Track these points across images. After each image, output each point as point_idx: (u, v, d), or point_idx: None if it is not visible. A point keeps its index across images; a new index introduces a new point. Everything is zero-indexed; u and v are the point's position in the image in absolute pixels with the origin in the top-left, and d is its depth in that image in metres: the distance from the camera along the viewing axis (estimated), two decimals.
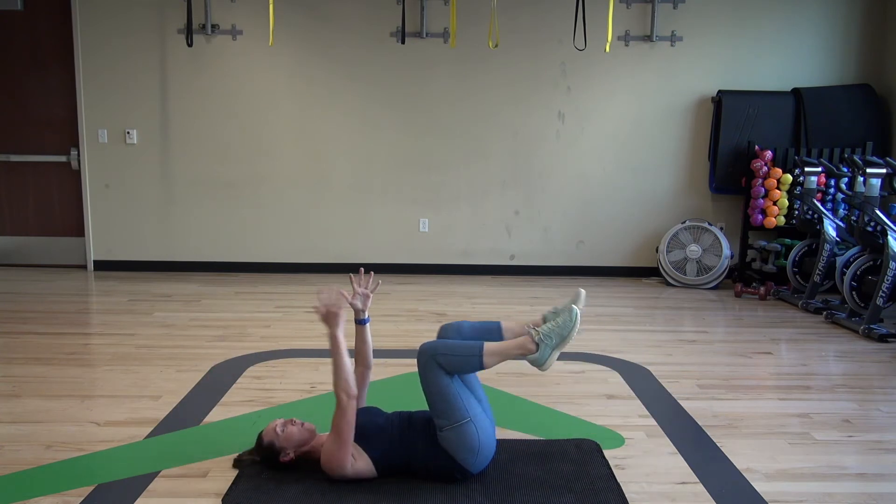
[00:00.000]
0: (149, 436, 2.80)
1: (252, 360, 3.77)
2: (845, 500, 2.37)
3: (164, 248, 6.21)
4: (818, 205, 5.32)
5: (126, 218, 6.16)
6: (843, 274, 4.82)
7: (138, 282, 5.77)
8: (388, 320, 4.63)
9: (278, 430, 2.42)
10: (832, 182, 5.63)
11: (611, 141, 6.18)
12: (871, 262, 4.68)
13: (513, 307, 5.15)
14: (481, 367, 2.37)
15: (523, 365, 3.68)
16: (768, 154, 5.80)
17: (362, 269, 2.56)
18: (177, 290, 5.48)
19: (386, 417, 2.50)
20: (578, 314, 2.42)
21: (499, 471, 2.48)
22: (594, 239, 6.31)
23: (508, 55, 5.98)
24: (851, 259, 4.84)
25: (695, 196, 6.25)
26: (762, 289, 5.53)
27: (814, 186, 5.42)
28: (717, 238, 5.94)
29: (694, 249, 5.96)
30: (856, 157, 4.83)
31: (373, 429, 2.41)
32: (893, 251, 4.36)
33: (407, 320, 4.69)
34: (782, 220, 5.83)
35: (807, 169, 5.43)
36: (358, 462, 2.35)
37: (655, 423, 3.01)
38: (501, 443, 2.58)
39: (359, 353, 2.65)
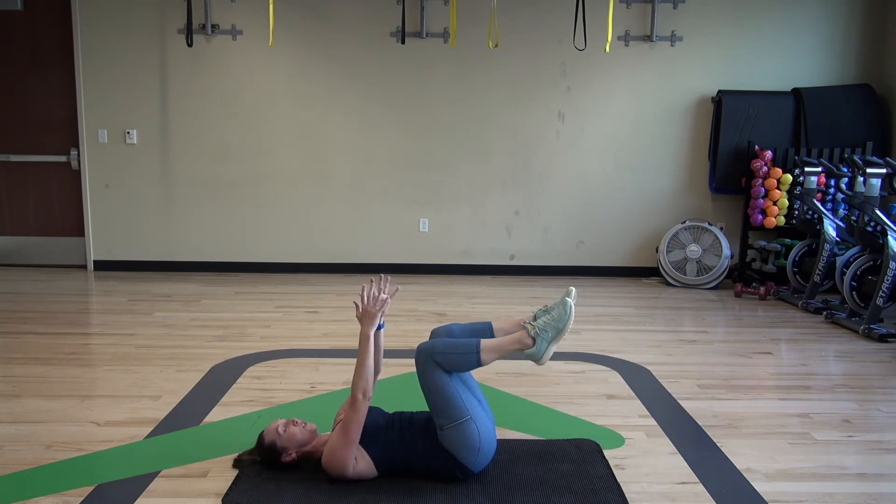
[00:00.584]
0: (149, 436, 2.80)
1: (252, 360, 3.77)
2: (845, 500, 2.37)
3: (164, 248, 6.21)
4: (818, 205, 5.32)
5: (126, 218, 6.16)
6: (843, 274, 4.82)
7: (138, 282, 5.77)
8: (388, 320, 4.56)
9: (280, 430, 2.42)
10: (832, 182, 5.63)
11: (611, 141, 6.18)
12: (871, 262, 4.68)
13: (513, 307, 5.15)
14: (479, 364, 2.38)
15: (523, 365, 3.69)
16: (768, 154, 5.80)
17: (382, 276, 2.52)
18: (177, 290, 5.48)
19: (387, 418, 2.49)
20: (572, 306, 2.42)
21: (499, 471, 2.48)
22: (594, 239, 6.31)
23: (508, 55, 5.98)
24: (851, 259, 4.84)
25: (695, 196, 6.25)
26: (762, 289, 5.53)
27: (814, 186, 5.42)
28: (717, 238, 5.94)
29: (694, 249, 5.96)
30: (856, 157, 4.83)
31: (374, 429, 2.41)
32: (893, 251, 4.36)
33: (407, 320, 4.69)
34: (782, 220, 5.83)
35: (807, 169, 5.43)
36: (359, 462, 2.35)
37: (655, 423, 3.01)
38: (501, 443, 2.58)
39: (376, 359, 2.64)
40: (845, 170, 5.32)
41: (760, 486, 2.45)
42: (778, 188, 5.78)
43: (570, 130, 6.16)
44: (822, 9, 6.01)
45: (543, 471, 2.50)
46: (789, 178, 5.71)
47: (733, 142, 5.99)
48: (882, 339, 4.33)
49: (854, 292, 4.73)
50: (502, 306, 5.21)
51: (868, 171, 4.57)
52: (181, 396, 3.23)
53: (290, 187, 6.17)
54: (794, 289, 5.55)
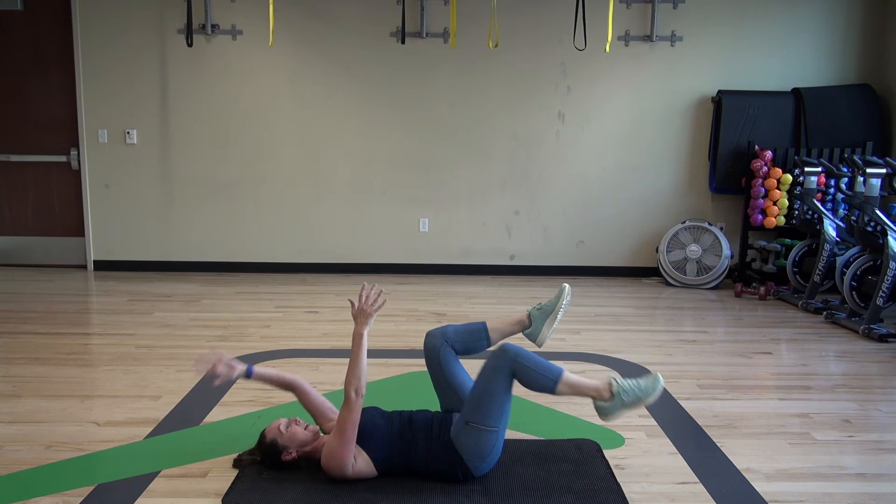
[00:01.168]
0: (149, 436, 2.80)
1: (252, 360, 3.74)
2: (845, 500, 2.37)
3: (164, 248, 6.21)
4: (818, 205, 5.32)
5: (126, 218, 6.16)
6: (843, 274, 4.82)
7: (138, 282, 5.77)
8: (388, 320, 4.63)
9: (282, 428, 2.42)
10: (832, 182, 5.63)
11: (611, 141, 6.18)
12: (871, 262, 4.68)
13: (513, 307, 5.15)
14: (552, 392, 2.39)
15: None
16: (768, 154, 5.80)
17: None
18: (177, 290, 5.48)
19: (386, 417, 2.49)
20: (662, 383, 2.39)
21: (499, 471, 2.48)
22: (594, 239, 6.31)
23: (508, 55, 5.98)
24: (851, 259, 4.84)
25: (695, 196, 6.25)
26: (762, 289, 5.53)
27: (814, 186, 5.42)
28: (717, 238, 5.94)
29: (694, 249, 5.96)
30: (856, 157, 4.83)
31: (373, 428, 2.41)
32: (893, 251, 4.36)
33: (407, 320, 4.69)
34: (782, 220, 5.83)
35: (807, 169, 5.43)
36: (358, 462, 2.35)
37: (655, 423, 3.01)
38: None
39: (280, 385, 2.66)
40: (845, 170, 5.32)
41: (760, 486, 2.45)
42: (778, 188, 5.78)
43: (570, 130, 6.16)
44: (822, 9, 6.02)
45: (543, 471, 2.50)
46: (789, 178, 5.71)
47: (733, 142, 5.99)
48: (882, 339, 4.33)
49: (854, 292, 4.73)
50: (502, 306, 5.21)
51: (868, 171, 4.57)
52: (181, 396, 3.23)
53: (290, 187, 6.17)
54: (794, 289, 5.55)
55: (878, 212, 4.48)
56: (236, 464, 2.51)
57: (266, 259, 6.26)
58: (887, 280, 4.37)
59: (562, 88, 6.11)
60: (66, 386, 3.36)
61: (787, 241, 5.87)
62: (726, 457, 2.69)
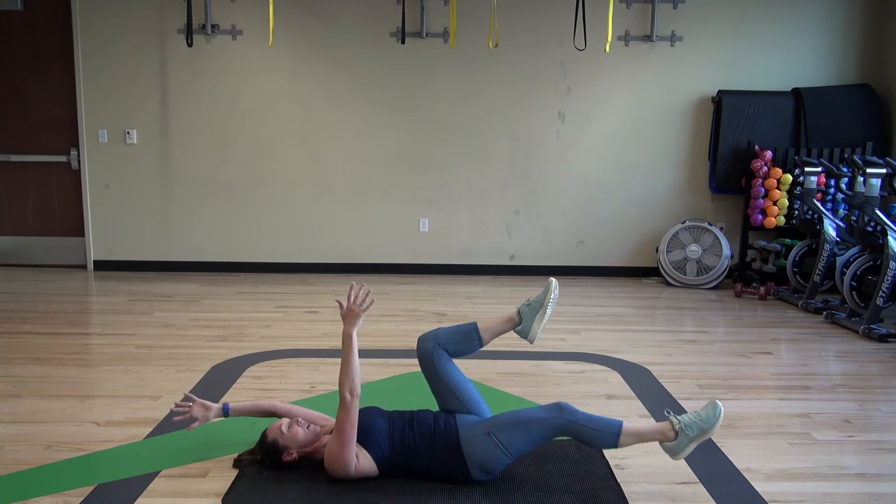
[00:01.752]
0: (149, 436, 2.80)
1: (252, 360, 3.77)
2: (845, 500, 2.37)
3: (164, 248, 6.21)
4: (818, 205, 5.32)
5: (126, 218, 6.16)
6: (843, 274, 4.82)
7: (138, 282, 5.77)
8: (387, 320, 4.63)
9: (283, 428, 2.42)
10: (832, 182, 5.63)
11: (611, 141, 6.18)
12: (871, 262, 4.68)
13: (512, 307, 5.13)
14: (615, 447, 2.35)
15: (523, 365, 3.69)
16: (768, 154, 5.80)
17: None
18: (177, 290, 5.48)
19: (387, 417, 2.49)
20: (722, 410, 2.32)
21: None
22: (594, 239, 6.31)
23: (508, 55, 5.98)
24: (851, 259, 4.84)
25: (695, 196, 6.25)
26: (762, 289, 5.53)
27: (814, 186, 5.42)
28: (717, 238, 5.94)
29: (694, 249, 5.96)
30: (856, 157, 4.83)
31: (374, 428, 2.40)
32: (893, 251, 4.36)
33: (407, 320, 4.69)
34: (782, 220, 5.83)
35: (807, 169, 5.43)
36: (361, 462, 2.35)
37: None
38: None
39: (259, 413, 2.67)
40: (845, 170, 5.32)
41: (760, 486, 2.45)
42: (778, 188, 5.78)
43: (570, 130, 6.16)
44: (821, 9, 6.01)
45: (543, 471, 2.50)
46: (789, 178, 5.71)
47: (733, 142, 5.99)
48: (882, 339, 4.33)
49: (854, 292, 4.73)
50: (502, 306, 5.20)
51: (868, 171, 4.57)
52: (181, 396, 3.22)
53: (290, 187, 6.17)
54: (794, 289, 5.55)
55: (878, 212, 4.48)
56: (236, 464, 2.51)
57: (266, 259, 6.26)
58: (887, 280, 4.37)
59: (562, 88, 6.11)
60: (66, 386, 3.36)
61: (787, 241, 5.86)
62: (726, 457, 2.69)
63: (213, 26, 5.94)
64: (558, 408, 2.37)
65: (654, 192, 6.24)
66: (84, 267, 6.25)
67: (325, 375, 3.55)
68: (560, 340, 4.22)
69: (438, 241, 6.29)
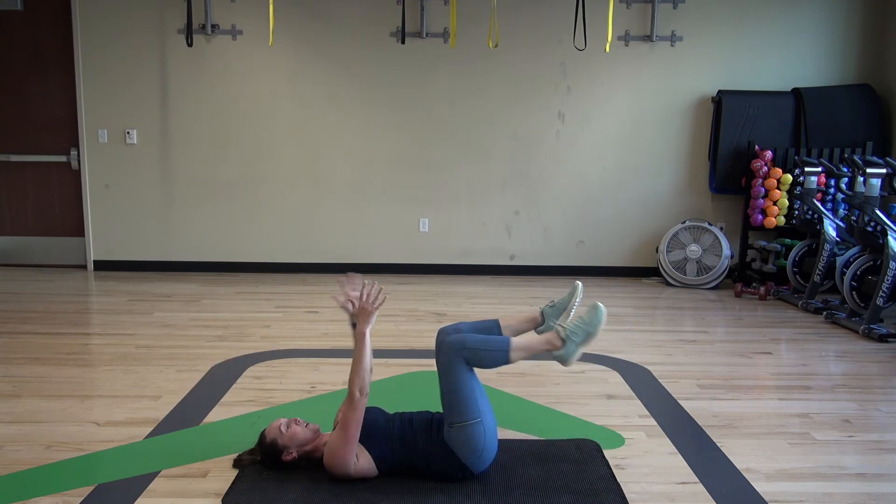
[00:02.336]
0: (149, 436, 2.80)
1: (252, 360, 3.77)
2: (845, 500, 2.37)
3: (164, 248, 6.21)
4: (818, 205, 5.32)
5: (126, 218, 6.16)
6: (843, 274, 4.82)
7: (138, 282, 5.77)
8: (388, 320, 4.63)
9: (282, 428, 2.42)
10: (832, 182, 5.63)
11: (611, 141, 6.18)
12: (871, 262, 4.68)
13: (513, 307, 5.15)
14: (506, 362, 2.41)
15: (523, 365, 3.69)
16: (768, 154, 5.80)
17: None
18: (177, 290, 5.48)
19: (387, 417, 2.49)
20: (604, 311, 2.45)
21: (499, 471, 2.48)
22: (594, 239, 6.31)
23: (508, 55, 5.98)
24: (851, 259, 4.84)
25: (695, 196, 6.25)
26: (762, 289, 5.53)
27: (814, 186, 5.42)
28: (717, 238, 5.94)
29: (694, 249, 5.96)
30: (856, 157, 4.83)
31: (374, 428, 2.41)
32: (893, 251, 4.36)
33: (407, 320, 4.69)
34: (782, 220, 5.83)
35: (807, 169, 5.43)
36: (360, 461, 2.35)
37: (655, 423, 3.01)
38: (502, 443, 2.57)
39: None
40: (845, 170, 5.32)
41: (760, 486, 2.45)
42: (778, 188, 5.78)
43: (570, 130, 6.16)
44: (821, 9, 6.01)
45: (543, 471, 2.50)
46: (789, 178, 5.71)
47: (733, 142, 5.99)
48: (882, 339, 4.33)
49: (854, 292, 4.73)
50: (502, 306, 5.21)
51: (868, 171, 4.57)
52: (181, 396, 3.23)
53: (290, 187, 6.17)
54: (794, 289, 5.55)
55: (878, 212, 4.48)
56: (236, 464, 2.51)
57: (266, 259, 6.26)
58: (887, 280, 4.37)
59: (562, 88, 6.11)
60: (66, 386, 3.36)
61: (787, 241, 5.86)
62: (726, 457, 2.69)
63: (213, 26, 5.94)
64: (448, 345, 2.39)
65: (654, 192, 6.24)
66: (84, 267, 6.25)
67: (325, 375, 3.55)
68: None
69: (438, 241, 6.29)
